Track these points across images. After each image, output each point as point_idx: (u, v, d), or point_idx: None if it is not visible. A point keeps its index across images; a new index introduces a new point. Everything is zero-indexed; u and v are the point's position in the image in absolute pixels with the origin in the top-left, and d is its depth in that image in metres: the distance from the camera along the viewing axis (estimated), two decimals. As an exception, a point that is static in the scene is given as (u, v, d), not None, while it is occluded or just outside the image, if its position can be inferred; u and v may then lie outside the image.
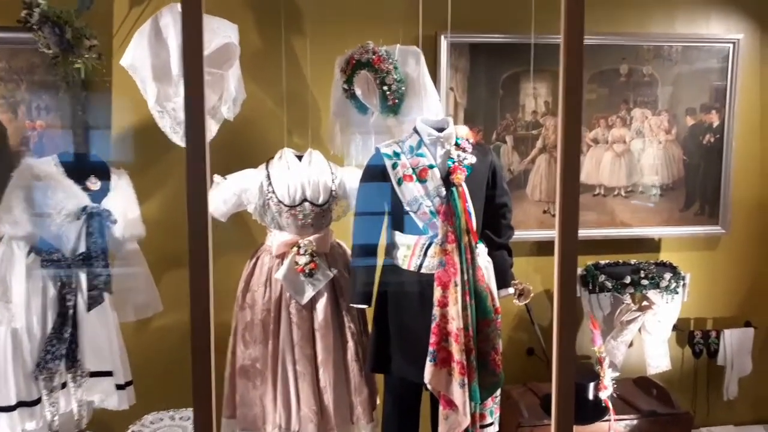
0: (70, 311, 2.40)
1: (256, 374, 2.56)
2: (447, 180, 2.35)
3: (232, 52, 2.49)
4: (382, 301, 2.46)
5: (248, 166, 2.67)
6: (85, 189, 2.45)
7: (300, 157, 2.63)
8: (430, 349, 2.32)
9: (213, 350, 1.84)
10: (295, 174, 2.53)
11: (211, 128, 2.64)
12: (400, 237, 2.41)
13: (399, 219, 2.41)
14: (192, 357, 1.87)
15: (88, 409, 2.57)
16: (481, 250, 2.45)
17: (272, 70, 2.86)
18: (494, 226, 2.52)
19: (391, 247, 2.45)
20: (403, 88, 2.60)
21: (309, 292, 2.53)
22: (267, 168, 2.58)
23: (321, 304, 2.55)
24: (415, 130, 2.44)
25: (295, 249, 2.51)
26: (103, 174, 2.55)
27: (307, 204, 2.53)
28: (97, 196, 2.49)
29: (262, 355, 2.55)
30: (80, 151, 2.71)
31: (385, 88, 2.56)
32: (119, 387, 2.57)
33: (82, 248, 2.43)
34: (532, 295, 2.43)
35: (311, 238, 2.54)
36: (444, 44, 3.04)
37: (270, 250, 2.58)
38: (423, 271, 2.36)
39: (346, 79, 2.66)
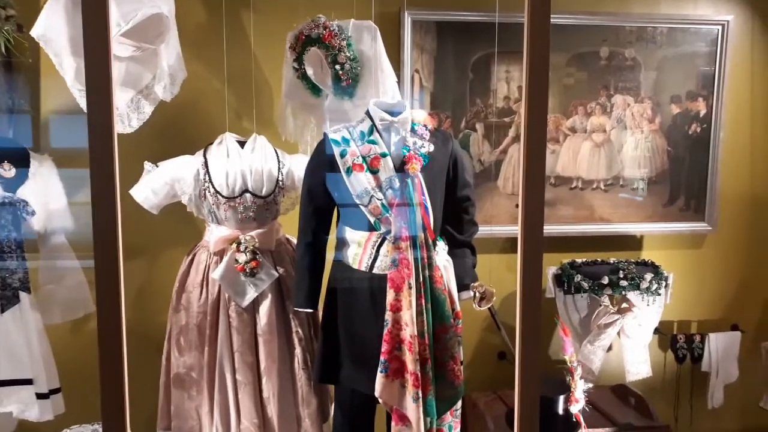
0: (-21, 313, 2.13)
1: (191, 383, 2.31)
2: (401, 170, 2.10)
3: (163, 24, 2.22)
4: (331, 303, 2.21)
5: (189, 153, 2.41)
6: (-3, 177, 2.18)
7: (243, 144, 2.37)
8: (381, 358, 2.07)
9: (125, 357, 1.61)
10: (235, 161, 2.28)
11: (145, 109, 2.38)
12: (350, 233, 2.16)
13: (349, 213, 2.16)
14: (100, 366, 1.63)
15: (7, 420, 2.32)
16: (440, 248, 2.20)
17: (217, 46, 2.59)
18: (455, 221, 2.28)
19: (341, 244, 2.20)
20: (358, 68, 2.34)
21: (250, 294, 2.28)
22: (204, 154, 2.32)
23: (264, 307, 2.30)
24: (367, 114, 2.19)
25: (234, 245, 2.26)
26: (21, 160, 2.28)
27: (248, 195, 2.27)
28: (12, 183, 2.22)
29: (198, 362, 2.30)
30: (6, 135, 2.44)
31: (338, 67, 2.30)
32: (41, 396, 2.31)
33: (-7, 243, 2.17)
34: (494, 298, 2.19)
35: (253, 233, 2.28)
36: (408, 21, 2.78)
37: (207, 247, 2.32)
38: (375, 271, 2.12)
39: (296, 57, 2.40)
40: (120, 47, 2.21)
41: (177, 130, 2.62)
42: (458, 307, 2.21)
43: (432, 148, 2.16)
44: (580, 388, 2.44)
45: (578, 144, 3.05)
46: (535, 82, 1.74)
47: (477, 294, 2.17)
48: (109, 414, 1.65)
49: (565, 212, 3.04)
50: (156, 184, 2.26)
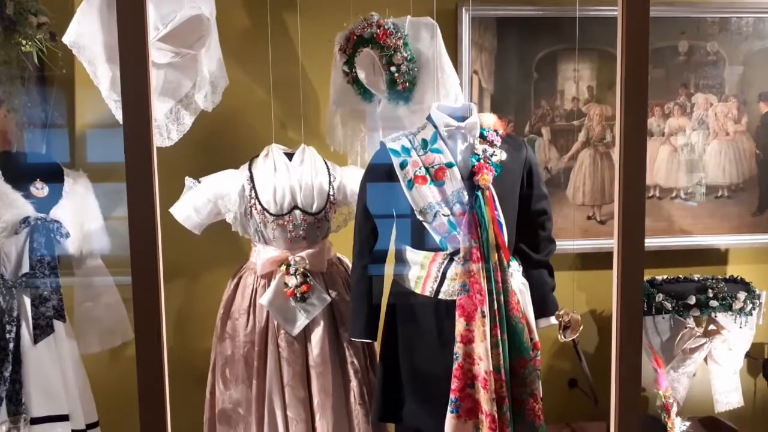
0: (11, 344, 1.96)
1: (238, 420, 2.10)
2: (470, 181, 1.86)
3: (204, 27, 2.03)
4: (391, 333, 1.97)
5: (233, 166, 2.22)
6: (29, 196, 2.01)
7: (291, 156, 2.16)
8: (452, 396, 1.83)
9: (167, 391, 1.43)
10: (283, 176, 2.07)
11: (185, 120, 2.19)
12: (411, 253, 1.93)
13: (410, 231, 1.92)
14: (139, 401, 1.45)
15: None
16: (515, 269, 1.95)
17: (261, 51, 2.39)
18: (531, 239, 2.02)
19: (401, 265, 1.97)
20: (416, 69, 2.12)
21: (301, 321, 2.06)
22: (250, 168, 2.12)
23: (317, 336, 2.08)
24: (430, 120, 1.95)
25: (283, 268, 2.05)
26: (55, 177, 2.12)
27: (297, 212, 2.06)
28: (45, 203, 2.06)
29: (246, 397, 2.08)
30: (33, 150, 2.29)
31: (393, 69, 2.09)
32: (77, 432, 2.13)
33: (26, 268, 2.00)
34: (581, 327, 1.92)
35: (303, 254, 2.07)
36: (466, 18, 2.54)
37: (254, 269, 2.11)
38: (441, 297, 1.88)
39: (347, 59, 2.19)
40: (158, 53, 2.03)
41: (219, 143, 2.43)
42: (536, 337, 1.95)
43: (504, 156, 1.91)
44: (678, 427, 2.14)
45: (655, 148, 2.76)
46: (633, 81, 1.53)
47: (561, 323, 1.90)
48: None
49: (643, 224, 2.75)
50: (198, 202, 2.07)
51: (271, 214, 2.04)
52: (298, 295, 2.03)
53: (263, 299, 2.04)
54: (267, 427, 2.05)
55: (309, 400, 2.09)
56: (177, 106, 2.17)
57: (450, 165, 1.87)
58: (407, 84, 2.12)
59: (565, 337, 1.91)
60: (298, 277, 2.03)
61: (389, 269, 2.00)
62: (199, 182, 2.11)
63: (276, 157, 2.12)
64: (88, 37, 1.91)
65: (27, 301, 2.01)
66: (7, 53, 2.08)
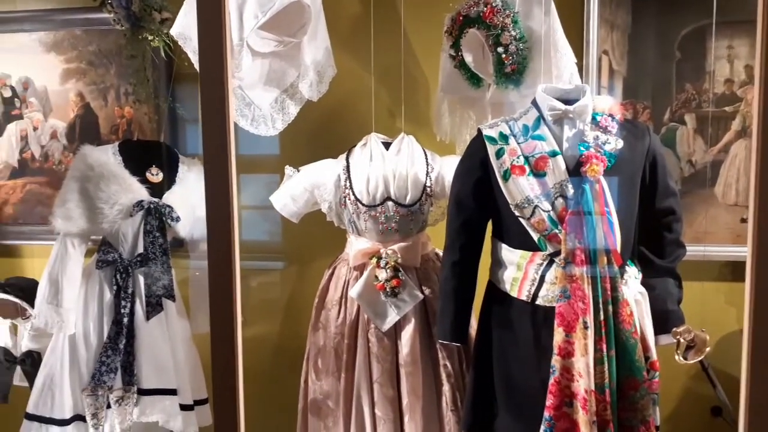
0: (125, 319, 2.11)
1: (327, 413, 2.07)
2: (577, 173, 1.63)
3: (306, 14, 2.01)
4: (484, 337, 1.81)
5: (337, 156, 2.19)
6: (145, 181, 2.15)
7: (389, 145, 2.07)
8: (546, 414, 1.63)
9: (241, 381, 1.43)
10: (378, 165, 1.99)
11: (290, 110, 2.20)
12: (507, 252, 1.74)
13: (506, 227, 1.74)
14: (213, 389, 1.45)
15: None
16: (631, 276, 1.68)
17: (369, 38, 2.34)
18: (654, 241, 1.74)
19: (496, 265, 1.79)
20: (526, 50, 1.92)
21: (392, 317, 1.97)
22: (347, 158, 2.07)
23: (407, 333, 1.98)
24: (534, 104, 1.75)
25: (374, 260, 1.97)
26: (170, 164, 2.24)
27: (390, 204, 1.97)
28: (160, 189, 2.18)
29: (335, 390, 2.04)
30: (157, 140, 2.45)
31: (501, 49, 1.90)
32: (185, 407, 2.24)
33: (141, 248, 2.14)
34: (708, 348, 1.60)
35: (395, 247, 1.97)
36: (594, -9, 2.27)
37: (347, 260, 2.06)
38: (539, 302, 1.68)
39: (454, 42, 2.05)
40: (261, 42, 2.06)
41: (325, 132, 2.42)
42: (654, 356, 1.67)
43: (621, 144, 1.66)
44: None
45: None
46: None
47: (682, 341, 1.61)
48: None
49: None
50: (296, 191, 2.07)
51: (363, 204, 1.98)
52: (388, 289, 1.94)
53: (353, 291, 1.98)
54: (354, 423, 2.00)
55: (398, 400, 2.00)
56: (282, 96, 2.19)
57: (553, 154, 1.66)
58: (516, 66, 1.92)
59: (686, 359, 1.61)
60: (388, 270, 1.94)
61: (483, 268, 1.84)
62: (299, 171, 2.10)
63: (373, 146, 2.05)
64: (192, 28, 1.97)
65: (141, 279, 2.14)
66: (135, 48, 2.24)
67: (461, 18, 1.99)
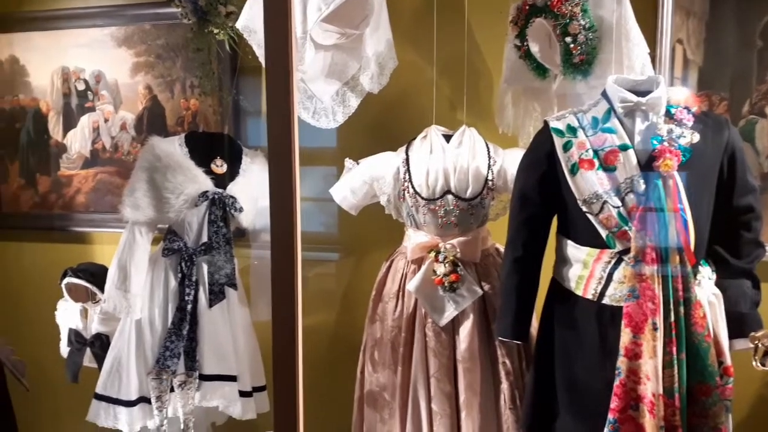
0: (189, 306, 2.17)
1: (383, 405, 2.07)
2: (649, 168, 1.56)
3: (368, 6, 2.00)
4: (546, 336, 1.76)
5: (397, 148, 2.18)
6: (210, 172, 2.19)
7: (450, 138, 2.04)
8: (610, 416, 1.57)
9: (300, 369, 1.44)
10: (438, 158, 1.96)
11: (350, 102, 2.20)
12: (572, 249, 1.69)
13: (572, 223, 1.69)
14: (274, 376, 1.48)
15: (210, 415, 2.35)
16: (704, 276, 1.60)
17: (432, 29, 2.31)
18: (731, 240, 1.66)
19: (560, 262, 1.74)
20: (596, 39, 1.85)
21: (450, 312, 1.95)
22: (407, 151, 2.05)
23: (465, 329, 1.95)
24: (604, 96, 1.68)
25: (432, 254, 1.95)
26: (234, 155, 2.28)
27: (450, 197, 1.94)
28: (224, 180, 2.23)
29: (391, 382, 2.04)
30: (221, 131, 2.50)
31: (569, 39, 1.85)
32: (244, 394, 2.29)
33: (205, 238, 2.19)
34: (790, 356, 1.51)
35: (454, 241, 1.95)
36: (668, -23, 2.16)
37: (405, 254, 2.05)
38: (605, 301, 1.62)
39: (519, 32, 2.00)
40: (324, 35, 2.06)
41: (385, 125, 2.41)
42: (728, 361, 1.58)
43: (696, 138, 1.58)
44: None
45: None
46: None
47: (760, 347, 1.52)
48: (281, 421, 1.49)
49: None
50: (355, 183, 2.07)
51: (422, 198, 1.96)
52: (446, 284, 1.92)
53: (411, 285, 1.97)
54: (410, 417, 1.99)
55: (455, 396, 1.97)
56: (343, 89, 2.19)
57: (624, 147, 1.59)
58: (585, 56, 1.86)
59: (763, 366, 1.52)
60: (447, 265, 1.91)
61: (547, 264, 1.79)
62: (358, 164, 2.10)
63: (433, 139, 2.02)
64: (258, 20, 1.99)
65: (204, 267, 2.20)
66: (201, 41, 2.29)
67: (527, 7, 1.94)
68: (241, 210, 2.20)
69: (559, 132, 1.67)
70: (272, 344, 1.53)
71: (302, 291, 1.52)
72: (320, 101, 2.15)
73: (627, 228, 1.56)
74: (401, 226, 2.16)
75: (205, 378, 2.20)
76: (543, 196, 1.71)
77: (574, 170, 1.63)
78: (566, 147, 1.65)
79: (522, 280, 1.76)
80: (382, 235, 2.38)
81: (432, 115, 2.20)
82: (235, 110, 2.58)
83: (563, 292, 1.71)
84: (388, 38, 2.20)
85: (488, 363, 1.96)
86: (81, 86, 2.76)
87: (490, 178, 1.96)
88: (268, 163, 1.53)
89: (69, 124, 2.80)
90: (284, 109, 1.49)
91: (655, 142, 1.57)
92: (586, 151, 1.62)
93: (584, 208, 1.62)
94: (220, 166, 2.21)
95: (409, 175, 1.99)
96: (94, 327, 2.43)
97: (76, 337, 2.45)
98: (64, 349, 2.49)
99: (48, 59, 2.78)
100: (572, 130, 1.66)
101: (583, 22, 1.83)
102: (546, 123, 1.72)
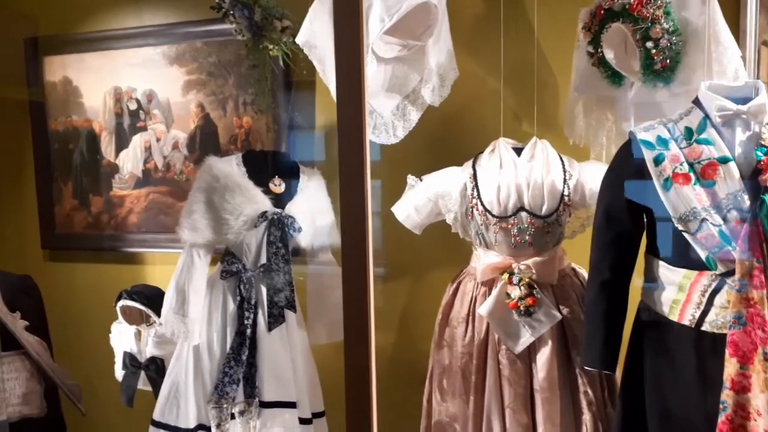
0: (248, 330, 2.10)
1: (453, 437, 1.95)
2: (753, 182, 1.42)
3: (432, 15, 1.91)
4: (635, 365, 1.63)
5: (459, 163, 2.08)
6: (268, 191, 2.13)
7: (520, 151, 1.93)
8: (715, 456, 1.42)
9: (374, 391, 1.45)
10: (509, 173, 1.85)
11: (411, 116, 2.11)
12: (665, 271, 1.55)
13: (665, 242, 1.55)
14: (347, 399, 1.41)
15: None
16: (819, 301, 1.45)
17: (494, 38, 2.20)
18: None
19: (651, 285, 1.60)
20: (680, 43, 1.72)
21: (525, 338, 1.83)
22: (473, 165, 1.95)
23: (543, 357, 1.83)
24: (697, 104, 1.55)
25: (506, 276, 1.83)
26: (292, 174, 2.21)
27: (524, 214, 1.83)
28: (282, 199, 2.16)
29: (462, 413, 1.92)
30: (276, 149, 2.44)
31: (650, 44, 1.73)
32: (303, 421, 2.20)
33: (264, 259, 2.12)
34: None
35: (529, 262, 1.83)
36: (753, -26, 2.01)
37: (474, 275, 1.94)
38: (705, 328, 1.48)
39: (592, 38, 1.89)
40: (385, 47, 1.98)
41: (447, 138, 2.31)
42: None
43: (807, 149, 1.43)
44: None
45: None
46: None
47: None
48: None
49: None
50: (419, 201, 1.97)
51: (493, 215, 1.84)
52: (521, 308, 1.80)
53: (482, 309, 1.85)
54: (484, 450, 1.87)
55: (532, 428, 1.85)
56: (404, 102, 2.10)
57: (724, 160, 1.46)
58: (668, 62, 1.73)
59: None
60: (522, 288, 1.80)
61: (636, 287, 1.65)
62: (421, 180, 2.01)
63: (503, 152, 1.91)
64: (318, 35, 1.93)
65: (263, 290, 2.12)
66: (256, 57, 2.24)
67: (602, 12, 1.82)
68: (300, 230, 2.12)
69: (649, 144, 1.54)
70: (345, 366, 1.45)
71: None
72: (380, 116, 2.06)
73: (730, 248, 1.43)
74: (460, 244, 2.05)
75: (264, 405, 2.11)
76: (631, 214, 1.58)
77: (667, 185, 1.50)
78: (657, 160, 1.52)
79: (610, 305, 1.63)
80: (434, 250, 2.28)
81: (496, 126, 2.09)
82: (288, 127, 2.52)
83: (654, 317, 1.58)
84: (449, 48, 2.11)
85: (568, 392, 1.83)
86: (133, 106, 2.74)
87: (566, 193, 1.84)
88: (340, 182, 1.46)
89: (121, 144, 2.78)
90: (356, 128, 1.41)
91: (759, 153, 1.43)
92: (681, 164, 1.49)
93: (680, 227, 1.48)
94: (278, 185, 2.14)
95: (478, 191, 1.88)
96: (149, 350, 2.38)
97: (130, 360, 2.40)
98: (119, 373, 2.45)
99: (100, 80, 2.78)
100: (663, 141, 1.53)
101: (666, 26, 1.71)
102: (632, 134, 1.60)
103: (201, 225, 2.07)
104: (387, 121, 2.08)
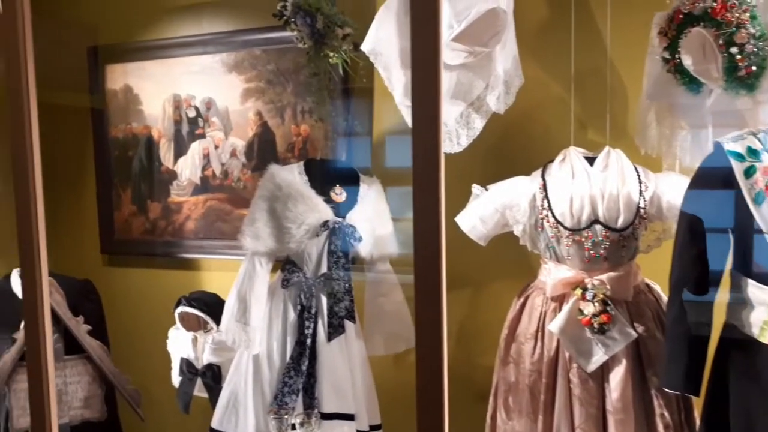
0: (308, 340, 2.08)
1: (520, 457, 1.89)
2: None
3: (500, 21, 1.86)
4: (719, 387, 1.55)
5: (523, 173, 2.02)
6: (329, 200, 2.11)
7: (592, 161, 1.86)
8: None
9: (446, 403, 1.33)
10: (583, 184, 1.79)
11: (475, 124, 2.06)
12: (755, 290, 1.47)
13: (755, 259, 1.47)
14: (417, 411, 1.37)
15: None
16: None
17: (561, 44, 2.13)
18: None
19: (738, 304, 1.52)
20: (766, 49, 1.64)
21: (598, 356, 1.75)
22: (543, 175, 1.89)
23: (617, 376, 1.75)
24: (792, 112, 1.47)
25: (578, 292, 1.77)
26: (352, 182, 2.19)
27: (598, 227, 1.76)
28: (343, 208, 2.14)
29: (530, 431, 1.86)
30: (335, 157, 2.43)
31: (734, 50, 1.65)
32: (361, 434, 2.17)
33: (324, 268, 2.10)
34: None
35: (603, 277, 1.76)
36: None
37: (543, 289, 1.88)
38: (800, 351, 1.39)
39: (669, 44, 1.81)
40: (452, 54, 1.93)
41: (511, 147, 2.26)
42: None
43: None
44: None
45: None
46: None
47: None
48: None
49: None
50: (485, 212, 1.92)
51: (566, 228, 1.78)
52: (595, 325, 1.73)
53: (553, 325, 1.79)
54: (553, 473, 1.80)
55: (604, 450, 1.77)
56: (468, 110, 2.05)
57: (823, 173, 1.37)
58: (753, 68, 1.65)
59: None
60: (596, 304, 1.73)
61: (720, 307, 1.57)
62: (487, 190, 1.96)
63: (574, 162, 1.85)
64: (384, 43, 1.90)
65: (324, 300, 2.11)
66: (317, 65, 2.22)
67: (681, 16, 1.75)
68: (360, 239, 2.10)
69: (738, 156, 1.46)
70: (417, 378, 1.42)
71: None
72: (444, 124, 2.02)
73: (831, 267, 1.34)
74: (523, 256, 1.99)
75: (323, 416, 2.09)
76: (717, 229, 1.50)
77: (759, 199, 1.42)
78: (748, 173, 1.44)
79: (693, 325, 1.55)
80: (498, 262, 2.22)
81: (563, 135, 2.03)
82: (346, 134, 2.50)
83: (742, 338, 1.50)
84: (514, 54, 2.05)
85: (643, 415, 1.75)
86: (192, 113, 2.77)
87: (642, 205, 1.77)
88: (413, 191, 1.42)
89: (180, 151, 2.81)
90: (431, 135, 1.38)
91: None
92: (775, 177, 1.40)
93: (773, 243, 1.40)
94: (339, 194, 2.13)
95: (548, 202, 1.82)
96: (206, 357, 2.39)
97: (187, 366, 2.42)
98: (176, 379, 2.47)
99: (160, 87, 2.82)
100: (754, 153, 1.45)
101: (752, 30, 1.63)
102: (718, 145, 1.52)
103: (263, 233, 2.07)
104: (450, 128, 2.04)
